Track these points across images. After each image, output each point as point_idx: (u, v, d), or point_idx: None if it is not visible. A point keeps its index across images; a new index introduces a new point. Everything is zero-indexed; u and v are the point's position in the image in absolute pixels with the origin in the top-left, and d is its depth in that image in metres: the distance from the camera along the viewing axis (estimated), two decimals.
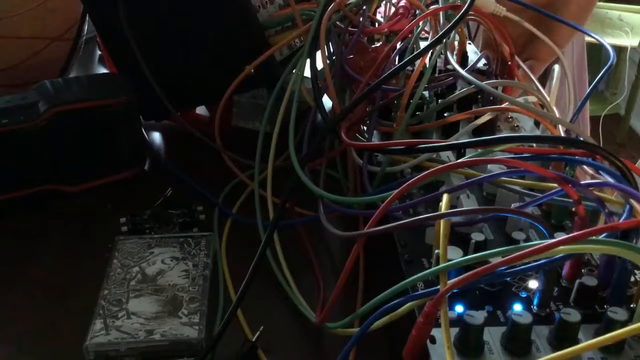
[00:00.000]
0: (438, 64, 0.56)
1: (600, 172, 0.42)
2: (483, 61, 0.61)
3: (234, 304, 0.44)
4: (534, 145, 0.46)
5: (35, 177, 0.58)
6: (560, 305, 0.39)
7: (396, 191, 0.39)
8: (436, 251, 0.39)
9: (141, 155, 0.65)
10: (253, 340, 0.44)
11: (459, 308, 0.37)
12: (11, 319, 0.47)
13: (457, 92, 0.53)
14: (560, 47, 0.61)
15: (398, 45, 0.56)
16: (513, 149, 0.42)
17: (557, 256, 0.34)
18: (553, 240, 0.32)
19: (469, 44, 0.66)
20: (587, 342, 0.31)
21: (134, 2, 0.59)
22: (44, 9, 0.70)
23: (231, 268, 0.51)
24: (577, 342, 0.36)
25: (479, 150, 0.46)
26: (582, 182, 0.38)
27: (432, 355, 0.35)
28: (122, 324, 0.44)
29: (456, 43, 0.62)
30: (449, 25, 0.49)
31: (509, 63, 0.60)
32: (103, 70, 0.84)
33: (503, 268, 0.33)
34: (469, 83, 0.50)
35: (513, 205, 0.44)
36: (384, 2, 0.67)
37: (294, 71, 0.56)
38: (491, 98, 0.55)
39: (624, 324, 0.35)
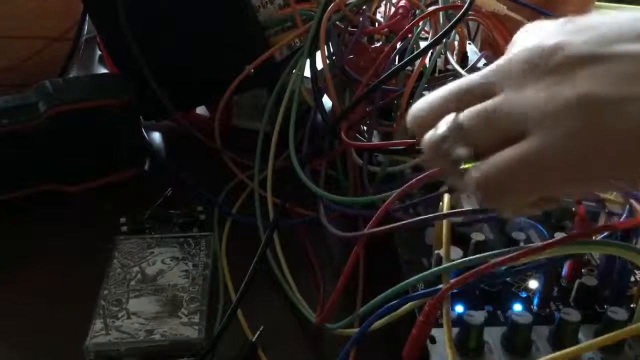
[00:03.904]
0: (438, 64, 0.56)
1: None
2: (483, 61, 0.61)
3: (234, 304, 0.44)
4: None
5: (35, 177, 0.58)
6: (560, 305, 0.39)
7: (397, 191, 0.39)
8: (436, 251, 0.39)
9: (141, 155, 0.65)
10: (253, 340, 0.44)
11: (459, 308, 0.37)
12: (11, 319, 0.47)
13: None
14: None
15: (398, 45, 0.56)
16: None
17: (557, 256, 0.34)
18: (553, 240, 0.32)
19: (469, 44, 0.65)
20: (587, 342, 0.31)
21: (134, 2, 0.59)
22: (44, 9, 0.70)
23: (231, 268, 0.51)
24: (577, 342, 0.36)
25: None
26: None
27: (432, 355, 0.35)
28: (122, 324, 0.44)
29: (456, 43, 0.62)
30: (449, 25, 0.49)
31: None
32: (103, 70, 0.84)
33: (503, 268, 0.33)
34: None
35: None
36: (384, 2, 0.67)
37: (294, 71, 0.56)
38: None
39: (624, 324, 0.35)
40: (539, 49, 0.25)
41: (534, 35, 0.26)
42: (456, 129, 0.26)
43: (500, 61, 0.27)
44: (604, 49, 0.24)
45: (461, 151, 0.26)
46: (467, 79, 0.28)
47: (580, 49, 0.24)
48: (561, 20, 0.27)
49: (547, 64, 0.25)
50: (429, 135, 0.28)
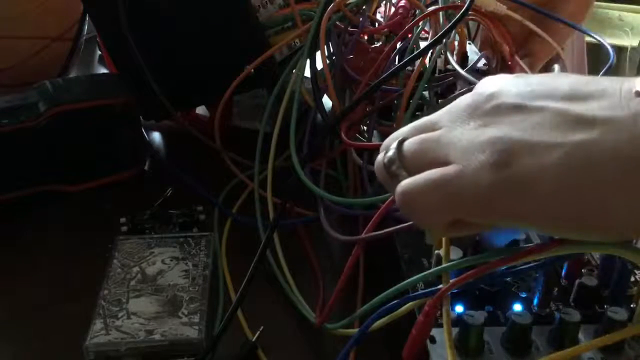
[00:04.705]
0: (438, 64, 0.56)
1: None
2: (483, 61, 0.61)
3: (234, 304, 0.44)
4: None
5: (35, 177, 0.58)
6: (560, 305, 0.39)
7: None
8: (436, 251, 0.39)
9: (141, 155, 0.65)
10: (253, 340, 0.44)
11: (459, 308, 0.37)
12: (11, 319, 0.47)
13: (457, 92, 0.53)
14: (558, 45, 0.61)
15: (398, 46, 0.56)
16: None
17: (557, 256, 0.34)
18: (553, 240, 0.32)
19: (469, 44, 0.65)
20: (587, 342, 0.31)
21: (134, 2, 0.59)
22: (44, 9, 0.70)
23: (231, 268, 0.51)
24: (577, 342, 0.36)
25: None
26: None
27: (432, 355, 0.35)
28: (122, 324, 0.44)
29: (456, 43, 0.62)
30: (449, 25, 0.49)
31: (509, 63, 0.60)
32: (103, 70, 0.84)
33: (503, 268, 0.33)
34: (469, 83, 0.50)
35: None
36: (384, 2, 0.67)
37: (294, 71, 0.56)
38: None
39: (624, 324, 0.35)
40: (479, 95, 0.29)
41: (483, 84, 0.30)
42: (398, 152, 0.30)
43: (451, 104, 0.31)
44: (530, 102, 0.27)
45: (403, 173, 0.30)
46: (425, 118, 0.32)
47: (510, 100, 0.28)
48: (514, 75, 0.30)
49: (481, 108, 0.28)
50: (379, 157, 0.31)
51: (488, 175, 0.26)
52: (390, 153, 0.30)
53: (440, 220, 0.29)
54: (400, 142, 0.31)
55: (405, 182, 0.29)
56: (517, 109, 0.27)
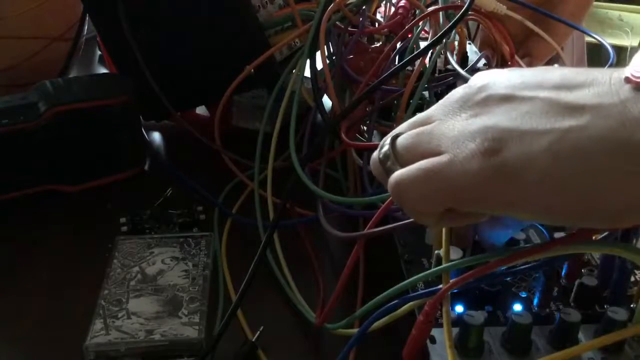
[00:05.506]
0: (438, 64, 0.56)
1: None
2: (483, 61, 0.61)
3: (234, 304, 0.44)
4: None
5: (35, 177, 0.58)
6: (560, 305, 0.39)
7: None
8: (436, 251, 0.39)
9: (141, 155, 0.65)
10: (253, 340, 0.44)
11: (459, 308, 0.37)
12: (11, 319, 0.47)
13: None
14: (558, 45, 0.61)
15: (398, 46, 0.56)
16: None
17: (557, 256, 0.34)
18: (553, 240, 0.32)
19: (469, 44, 0.65)
20: (587, 342, 0.31)
21: (134, 2, 0.59)
22: (44, 9, 0.70)
23: (231, 268, 0.51)
24: (577, 342, 0.36)
25: None
26: None
27: (432, 355, 0.35)
28: (122, 324, 0.44)
29: (456, 43, 0.62)
30: (449, 25, 0.49)
31: (509, 63, 0.60)
32: (103, 70, 0.84)
33: (503, 268, 0.33)
34: None
35: None
36: (384, 2, 0.67)
37: (294, 71, 0.56)
38: None
39: (624, 324, 0.35)
40: (471, 88, 0.29)
41: (476, 78, 0.30)
42: (392, 148, 0.30)
43: (444, 98, 0.31)
44: (520, 92, 0.27)
45: (398, 168, 0.30)
46: (420, 114, 0.32)
47: (500, 90, 0.28)
48: (508, 69, 0.31)
49: (472, 100, 0.29)
50: (375, 154, 0.31)
51: (478, 163, 0.26)
52: (385, 149, 0.31)
53: (432, 210, 0.29)
54: (394, 138, 0.31)
55: (397, 173, 0.29)
56: (508, 99, 0.27)
